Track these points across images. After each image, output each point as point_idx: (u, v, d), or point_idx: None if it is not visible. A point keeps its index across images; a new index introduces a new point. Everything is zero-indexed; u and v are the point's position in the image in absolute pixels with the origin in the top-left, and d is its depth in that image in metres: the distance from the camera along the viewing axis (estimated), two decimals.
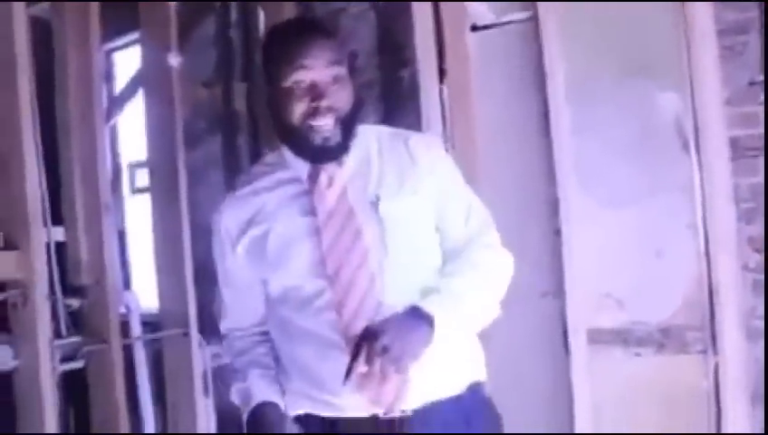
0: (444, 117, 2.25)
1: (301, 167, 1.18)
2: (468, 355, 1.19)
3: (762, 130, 1.72)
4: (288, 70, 1.11)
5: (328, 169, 1.16)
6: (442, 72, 2.21)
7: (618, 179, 1.87)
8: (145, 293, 2.66)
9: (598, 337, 1.87)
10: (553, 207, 1.95)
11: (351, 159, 1.18)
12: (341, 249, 1.14)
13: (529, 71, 2.03)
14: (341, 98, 1.12)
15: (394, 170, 1.18)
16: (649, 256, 1.82)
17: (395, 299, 1.11)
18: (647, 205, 1.84)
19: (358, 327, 1.07)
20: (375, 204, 1.15)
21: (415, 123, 2.30)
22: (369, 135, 1.22)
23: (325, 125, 1.11)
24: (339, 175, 1.16)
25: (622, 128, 1.87)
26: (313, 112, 1.10)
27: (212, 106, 2.66)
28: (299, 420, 1.17)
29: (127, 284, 2.92)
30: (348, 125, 1.14)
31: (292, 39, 1.14)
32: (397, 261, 1.14)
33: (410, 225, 1.17)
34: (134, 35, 2.61)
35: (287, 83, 1.11)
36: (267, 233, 1.18)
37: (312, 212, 1.16)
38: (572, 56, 1.95)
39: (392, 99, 2.45)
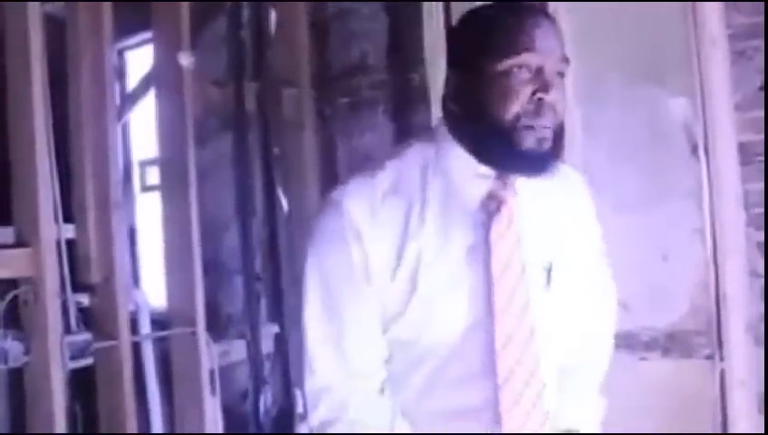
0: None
1: (472, 185, 0.94)
2: None
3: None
4: (509, 50, 0.89)
5: (510, 205, 0.93)
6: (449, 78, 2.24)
7: (626, 183, 1.87)
8: (154, 291, 2.69)
9: None
10: None
11: (521, 188, 0.95)
12: (513, 314, 0.91)
13: None
14: (561, 99, 0.92)
15: (570, 222, 1.00)
16: (656, 261, 1.82)
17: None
18: (655, 209, 1.84)
19: None
20: (547, 271, 0.96)
21: (423, 122, 2.32)
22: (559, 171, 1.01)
23: (545, 126, 0.90)
24: (518, 216, 0.94)
25: (631, 131, 1.88)
26: (536, 108, 0.89)
27: (223, 105, 2.66)
28: None
29: (136, 281, 2.94)
30: (559, 137, 0.93)
31: (512, 17, 0.92)
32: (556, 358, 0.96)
33: (578, 299, 0.99)
34: (146, 34, 2.63)
35: (503, 66, 0.89)
36: (419, 261, 0.92)
37: (485, 253, 0.92)
38: (582, 58, 1.94)
39: (402, 99, 2.45)
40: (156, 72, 2.49)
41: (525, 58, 0.90)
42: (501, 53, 0.90)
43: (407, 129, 2.44)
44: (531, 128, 0.90)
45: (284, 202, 2.67)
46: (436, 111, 2.23)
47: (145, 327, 2.54)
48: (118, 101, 2.70)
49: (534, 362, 0.91)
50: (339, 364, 0.92)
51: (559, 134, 0.93)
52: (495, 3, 0.95)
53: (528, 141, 0.90)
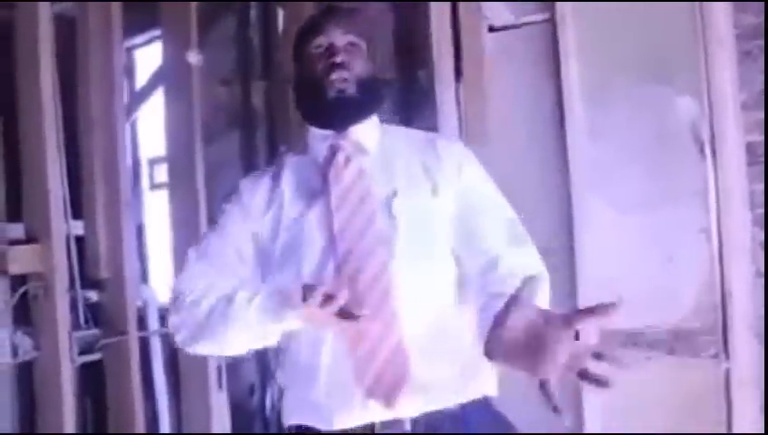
0: (459, 116, 2.26)
1: (320, 148, 1.22)
2: (478, 366, 1.10)
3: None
4: (311, 38, 1.22)
5: (346, 149, 1.20)
6: (458, 72, 2.24)
7: (632, 183, 1.87)
8: (162, 287, 2.69)
9: (610, 337, 1.89)
10: (567, 209, 1.95)
11: (372, 145, 1.21)
12: (354, 233, 1.15)
13: (545, 72, 2.06)
14: (357, 61, 1.20)
15: (417, 169, 1.20)
16: (662, 261, 1.82)
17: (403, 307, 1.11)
18: (660, 209, 1.85)
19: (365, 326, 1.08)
20: (389, 199, 1.16)
21: (431, 121, 2.30)
22: (395, 133, 1.27)
23: (340, 78, 1.17)
24: (357, 157, 1.20)
25: (637, 131, 1.89)
26: (330, 67, 1.17)
27: (230, 104, 2.69)
28: None
29: (144, 278, 2.95)
30: (366, 86, 1.19)
31: (316, 17, 1.26)
32: (405, 265, 1.13)
33: (423, 226, 1.16)
34: (155, 33, 2.64)
35: (310, 49, 1.21)
36: (280, 217, 1.20)
37: (325, 192, 1.18)
38: (589, 59, 1.97)
39: (410, 98, 2.45)
40: (164, 71, 2.50)
41: (320, 40, 1.21)
42: (308, 41, 1.22)
43: (412, 126, 2.44)
44: (332, 82, 1.18)
45: None
46: (442, 109, 2.23)
47: (153, 323, 2.56)
48: (126, 100, 2.71)
49: (370, 247, 1.13)
50: (202, 269, 1.24)
51: (368, 86, 1.20)
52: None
53: (332, 90, 1.18)
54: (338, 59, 1.18)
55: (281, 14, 2.61)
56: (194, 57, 2.34)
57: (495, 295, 1.00)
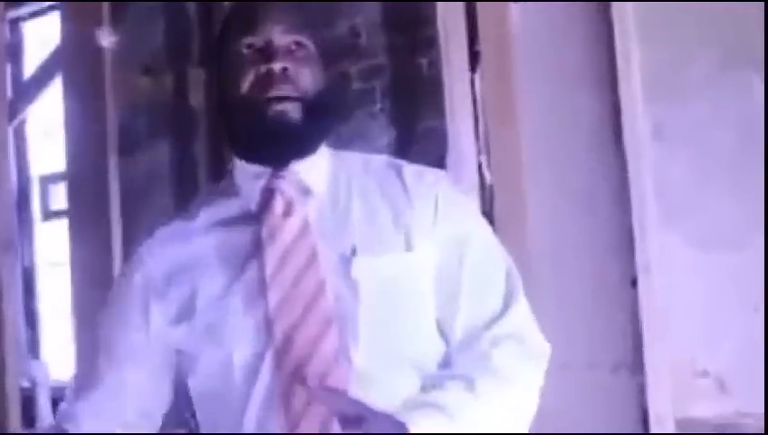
0: (476, 119, 2.31)
1: (251, 190, 1.23)
2: None
3: None
4: (239, 33, 1.20)
5: (287, 193, 1.21)
6: (474, 57, 2.28)
7: (713, 208, 1.89)
8: (58, 361, 2.70)
9: (690, 429, 1.88)
10: (628, 246, 1.96)
11: (321, 185, 1.23)
12: (296, 308, 1.16)
13: (595, 58, 2.09)
14: (304, 70, 1.19)
15: (382, 214, 1.23)
16: (749, 313, 1.83)
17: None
18: (752, 243, 1.85)
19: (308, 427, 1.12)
20: (348, 259, 1.18)
21: (436, 127, 2.40)
22: (350, 163, 1.28)
23: (280, 94, 1.17)
24: (301, 203, 1.21)
25: (719, 137, 1.91)
26: (266, 78, 1.17)
27: (158, 100, 2.73)
28: None
29: (34, 349, 2.97)
30: (316, 105, 1.20)
31: (247, 3, 1.25)
32: (372, 354, 1.15)
33: (397, 294, 1.19)
34: (51, 1, 2.75)
35: (238, 49, 1.19)
36: (194, 295, 1.20)
37: (257, 256, 1.19)
38: (654, 39, 1.98)
39: (405, 94, 2.52)
40: (64, 54, 2.51)
41: (252, 38, 1.19)
42: (234, 35, 1.21)
43: (411, 135, 2.49)
44: (268, 100, 1.16)
45: None
46: (452, 110, 2.29)
47: (46, 411, 2.58)
48: (9, 92, 2.73)
49: (319, 329, 1.14)
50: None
51: (319, 105, 1.19)
52: None
53: (268, 110, 1.16)
54: (277, 66, 1.17)
55: None
56: (106, 37, 2.36)
57: (423, 403, 1.10)
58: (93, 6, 2.40)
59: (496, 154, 2.28)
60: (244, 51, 1.19)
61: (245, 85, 1.18)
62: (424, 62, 2.44)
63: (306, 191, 1.22)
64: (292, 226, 1.19)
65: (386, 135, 2.54)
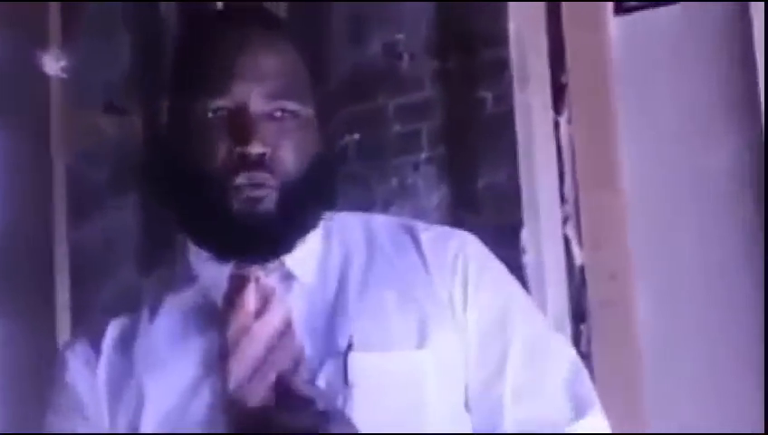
0: (561, 175, 2.42)
1: (213, 276, 1.32)
2: None
3: None
4: (204, 88, 1.28)
5: (262, 281, 1.29)
6: (559, 92, 2.43)
7: None
8: None
9: None
10: None
11: (309, 270, 1.32)
12: None
13: (732, 83, 2.24)
14: (286, 154, 1.27)
15: (388, 295, 1.31)
16: None
17: None
18: None
19: None
20: (341, 355, 1.26)
21: (505, 185, 2.47)
22: (349, 231, 1.38)
23: (255, 182, 1.25)
24: (282, 294, 1.30)
25: None
26: (237, 164, 1.25)
27: (121, 145, 2.78)
28: None
29: None
30: (294, 198, 1.27)
31: (216, 39, 1.32)
32: None
33: (407, 411, 1.27)
34: None
35: (201, 108, 1.27)
36: (139, 409, 1.30)
37: (222, 362, 1.27)
38: None
39: (462, 139, 2.58)
40: None
41: (221, 100, 1.27)
42: (195, 93, 1.28)
43: (470, 195, 2.55)
44: (236, 188, 1.25)
45: None
46: (528, 161, 2.43)
47: None
48: None
49: None
50: None
51: (296, 193, 1.27)
52: (216, 9, 1.31)
53: (235, 203, 1.25)
54: (254, 148, 1.25)
55: None
56: (53, 63, 2.51)
57: None
58: (33, 21, 2.55)
59: (590, 225, 2.38)
60: (210, 115, 1.27)
61: (208, 163, 1.26)
62: (488, 96, 2.48)
63: (288, 277, 1.31)
64: (268, 326, 1.29)
65: (434, 195, 2.57)
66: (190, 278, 1.36)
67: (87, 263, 2.68)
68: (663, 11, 2.39)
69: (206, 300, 1.33)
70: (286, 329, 1.29)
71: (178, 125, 1.31)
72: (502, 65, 2.46)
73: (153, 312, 1.37)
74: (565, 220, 2.45)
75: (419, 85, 2.63)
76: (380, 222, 1.41)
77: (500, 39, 2.46)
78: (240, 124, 1.26)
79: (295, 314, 1.30)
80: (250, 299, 1.29)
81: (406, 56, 2.64)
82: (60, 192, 2.61)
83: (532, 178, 2.43)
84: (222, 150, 1.26)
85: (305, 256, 1.33)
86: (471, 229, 1.41)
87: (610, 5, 2.41)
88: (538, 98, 2.44)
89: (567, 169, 2.45)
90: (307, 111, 1.31)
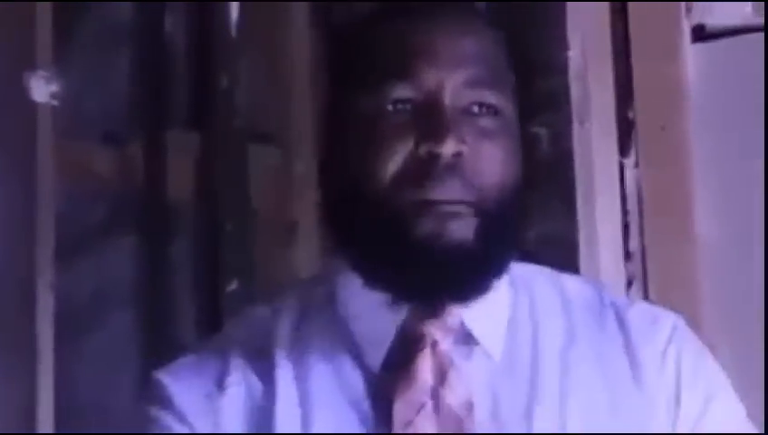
0: (626, 227, 2.29)
1: (373, 324, 1.19)
2: None
3: None
4: (381, 71, 1.15)
5: (441, 345, 1.16)
6: (626, 130, 2.29)
7: None
8: None
9: None
10: None
11: (495, 336, 1.20)
12: None
13: None
14: (489, 151, 1.14)
15: (590, 386, 1.20)
16: None
17: None
18: None
19: None
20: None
21: (561, 236, 2.35)
22: (537, 291, 1.26)
23: (446, 195, 1.11)
24: (463, 364, 1.16)
25: None
26: (425, 167, 1.11)
27: (120, 181, 2.64)
28: None
29: None
30: (497, 225, 1.13)
31: (398, 18, 1.19)
32: None
33: None
34: None
35: (377, 100, 1.14)
36: None
37: None
38: None
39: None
40: None
41: (405, 89, 1.13)
42: (371, 82, 1.14)
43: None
44: (423, 204, 1.10)
45: None
46: (588, 207, 2.31)
47: None
48: None
49: None
50: None
51: (500, 221, 1.13)
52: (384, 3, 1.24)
53: (420, 228, 1.10)
54: (448, 149, 1.09)
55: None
56: (42, 86, 2.36)
57: None
58: (21, 38, 2.38)
59: (661, 286, 2.23)
60: (389, 107, 1.13)
61: (385, 173, 1.12)
62: (543, 132, 2.35)
63: (468, 340, 1.19)
64: (444, 409, 1.15)
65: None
66: (335, 322, 1.23)
67: (75, 314, 2.52)
68: (750, 38, 2.25)
69: (351, 358, 1.20)
70: (466, 414, 1.16)
71: (344, 125, 1.19)
72: (559, 98, 2.34)
73: (296, 372, 1.21)
74: (630, 282, 2.29)
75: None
76: (575, 285, 1.30)
77: (558, 67, 2.33)
78: (430, 117, 1.12)
79: (478, 395, 1.16)
80: (424, 370, 1.15)
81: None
82: (46, 234, 2.43)
83: (592, 229, 2.28)
84: (404, 153, 1.12)
85: (491, 315, 1.20)
86: None
87: (687, 31, 2.28)
88: (601, 136, 2.31)
89: (633, 219, 2.31)
90: (510, 109, 1.18)
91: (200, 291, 2.72)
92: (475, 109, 1.13)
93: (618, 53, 2.30)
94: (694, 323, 2.09)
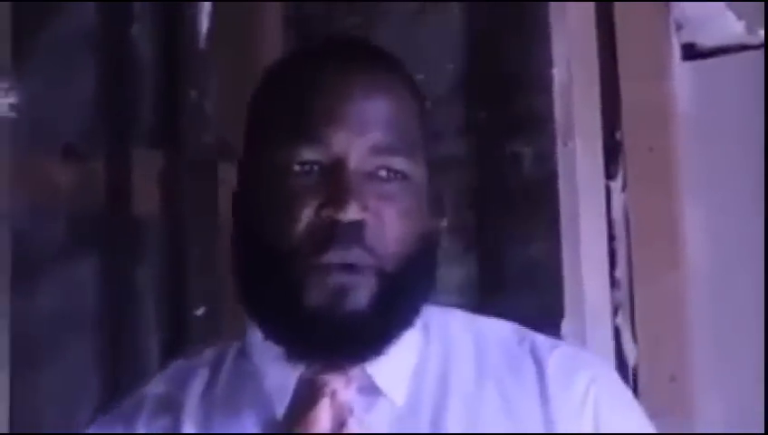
0: (612, 253, 2.26)
1: (276, 376, 1.23)
2: None
3: None
4: (290, 137, 1.18)
5: (339, 395, 1.19)
6: (612, 151, 2.26)
7: None
8: None
9: None
10: None
11: (397, 383, 1.22)
12: None
13: None
14: (391, 217, 1.17)
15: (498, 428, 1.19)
16: None
17: None
18: None
19: None
20: None
21: (544, 264, 2.33)
22: (451, 334, 1.28)
23: (346, 258, 1.14)
24: (362, 412, 1.20)
25: None
26: (326, 233, 1.14)
27: (82, 198, 2.61)
28: None
29: None
30: (394, 291, 1.16)
31: (309, 76, 1.22)
32: None
33: None
34: None
35: (285, 160, 1.17)
36: None
37: None
38: None
39: (490, 205, 2.44)
40: None
41: (311, 151, 1.16)
42: (279, 141, 1.18)
43: (500, 274, 2.47)
44: (321, 270, 1.14)
45: None
46: (572, 234, 2.29)
47: None
48: None
49: None
50: None
51: (399, 281, 1.16)
52: (308, 45, 1.35)
53: (321, 291, 1.14)
54: (349, 215, 1.13)
55: (206, 2, 2.63)
56: (1, 99, 2.32)
57: None
58: None
59: (646, 315, 2.21)
60: (296, 168, 1.17)
61: (290, 233, 1.16)
62: (525, 152, 2.36)
63: (371, 391, 1.21)
64: None
65: (456, 272, 2.43)
66: (245, 373, 1.29)
67: (32, 341, 2.50)
68: (741, 57, 2.23)
69: (262, 409, 1.24)
70: (343, 424, 1.19)
71: (253, 183, 1.24)
72: (543, 116, 2.33)
73: (202, 426, 1.27)
74: (616, 310, 2.27)
75: (442, 137, 2.44)
76: (493, 329, 1.32)
77: (541, 84, 2.33)
78: (334, 182, 1.16)
79: None
80: (322, 418, 1.19)
81: (427, 103, 2.42)
82: (2, 254, 2.39)
83: (576, 255, 2.25)
84: (307, 216, 1.16)
85: (396, 366, 1.23)
86: (501, 315, 1.35)
87: (677, 49, 2.27)
88: (586, 158, 2.28)
89: (619, 245, 2.28)
90: (419, 173, 1.21)
91: (166, 316, 2.68)
92: (383, 173, 1.17)
93: (604, 70, 2.28)
94: (683, 352, 2.19)
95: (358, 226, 1.14)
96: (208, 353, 1.34)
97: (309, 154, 1.16)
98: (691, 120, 2.24)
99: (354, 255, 1.14)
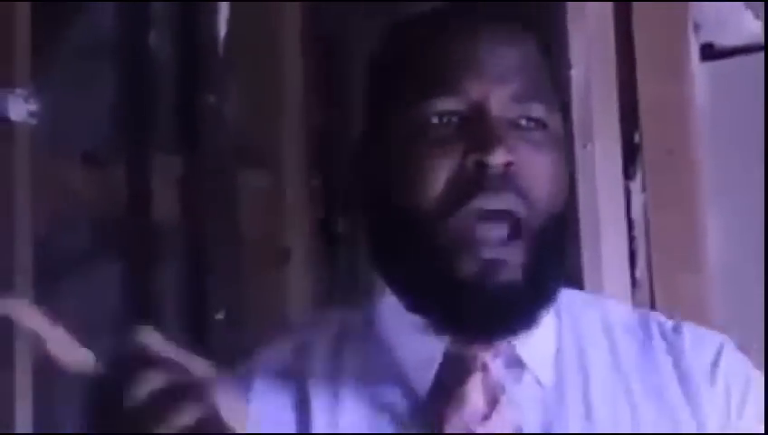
0: (632, 255, 2.28)
1: (416, 350, 1.18)
2: None
3: None
4: (426, 89, 1.15)
5: (492, 373, 1.15)
6: (631, 152, 2.29)
7: None
8: None
9: None
10: None
11: (542, 359, 1.20)
12: None
13: None
14: (539, 165, 1.14)
15: (643, 407, 1.19)
16: None
17: None
18: None
19: None
20: None
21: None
22: (580, 319, 1.25)
23: (498, 203, 1.11)
24: (512, 392, 1.16)
25: None
26: (474, 180, 1.11)
27: (103, 205, 2.61)
28: None
29: None
30: (545, 254, 1.13)
31: (441, 30, 1.20)
32: None
33: None
34: None
35: (421, 115, 1.14)
36: None
37: None
38: None
39: None
40: None
41: (451, 102, 1.13)
42: (415, 94, 1.14)
43: None
44: (471, 236, 1.10)
45: None
46: (591, 238, 2.27)
47: None
48: None
49: None
50: None
51: (550, 245, 1.13)
52: (428, 10, 1.25)
53: (466, 268, 1.10)
54: (497, 158, 1.09)
55: (224, 11, 2.65)
56: (19, 104, 2.32)
57: None
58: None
59: (669, 315, 2.16)
60: (434, 120, 1.14)
61: (433, 186, 1.12)
62: None
63: (517, 364, 1.19)
64: (496, 431, 1.14)
65: None
66: (377, 347, 1.23)
67: None
68: (761, 56, 2.28)
69: (397, 384, 1.20)
70: (496, 403, 1.16)
71: (385, 143, 1.19)
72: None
73: (330, 401, 1.22)
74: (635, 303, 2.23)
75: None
76: (614, 309, 1.30)
77: (559, 86, 2.17)
78: (477, 128, 1.12)
79: (528, 422, 1.17)
80: (477, 392, 1.15)
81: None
82: (24, 264, 2.36)
83: (597, 256, 2.25)
84: (452, 165, 1.12)
85: (540, 344, 1.20)
86: None
87: (695, 50, 2.31)
88: (605, 159, 2.29)
89: (639, 246, 2.30)
90: (556, 122, 1.18)
91: (186, 321, 2.68)
92: (523, 122, 1.13)
93: (623, 71, 2.30)
94: None
95: (507, 170, 1.10)
96: (328, 322, 1.30)
97: (447, 104, 1.13)
98: (710, 120, 2.26)
99: (506, 200, 1.11)
